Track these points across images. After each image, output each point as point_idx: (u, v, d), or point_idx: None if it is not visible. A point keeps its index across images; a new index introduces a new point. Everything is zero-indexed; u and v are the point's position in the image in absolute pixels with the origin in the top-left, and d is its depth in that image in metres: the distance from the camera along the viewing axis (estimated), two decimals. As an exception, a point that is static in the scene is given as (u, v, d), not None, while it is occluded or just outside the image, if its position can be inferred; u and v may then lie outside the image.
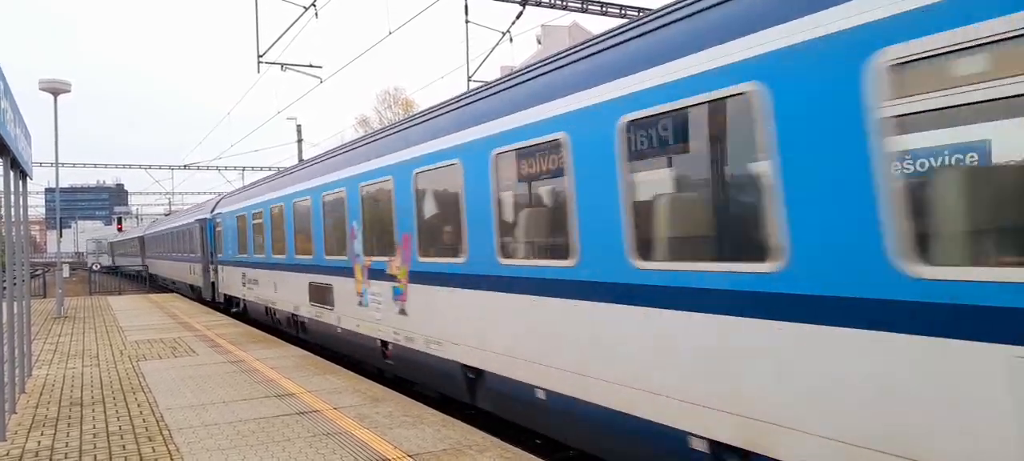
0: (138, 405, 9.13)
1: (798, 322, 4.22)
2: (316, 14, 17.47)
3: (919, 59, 3.59)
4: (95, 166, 77.36)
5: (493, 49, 19.36)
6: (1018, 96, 3.26)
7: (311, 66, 21.91)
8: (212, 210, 24.79)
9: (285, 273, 15.07)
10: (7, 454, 7.08)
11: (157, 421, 8.23)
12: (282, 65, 21.22)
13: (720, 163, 5.25)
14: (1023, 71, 3.24)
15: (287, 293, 15.07)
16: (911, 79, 3.65)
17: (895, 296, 3.74)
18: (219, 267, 23.16)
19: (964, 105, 3.48)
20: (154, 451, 7.03)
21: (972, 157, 4.00)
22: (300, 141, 37.39)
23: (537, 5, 18.20)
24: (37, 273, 37.61)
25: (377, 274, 10.18)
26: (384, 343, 10.27)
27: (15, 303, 9.18)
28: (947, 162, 4.07)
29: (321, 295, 12.69)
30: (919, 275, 3.65)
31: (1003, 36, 3.28)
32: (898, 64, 3.69)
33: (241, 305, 20.28)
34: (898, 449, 3.73)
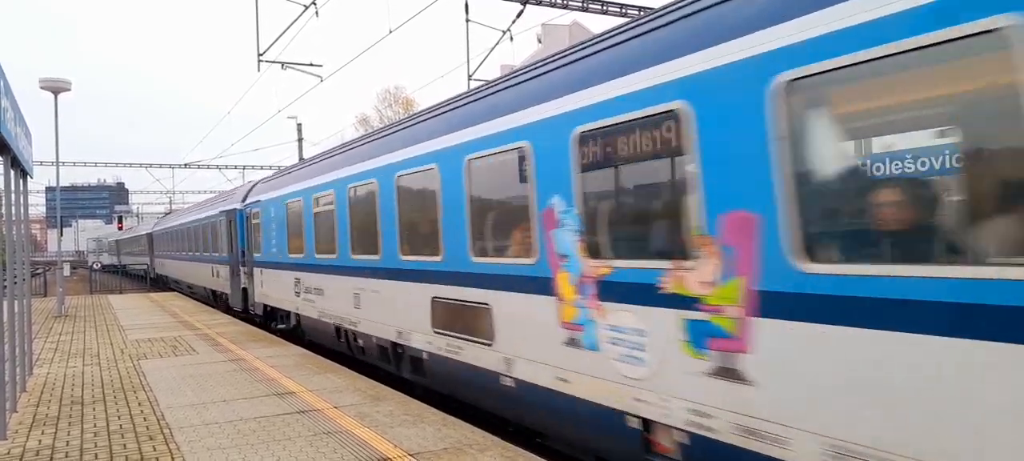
0: (139, 404, 9.13)
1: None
2: (316, 13, 17.48)
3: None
4: (96, 165, 77.42)
5: (494, 48, 19.37)
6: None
7: (311, 65, 21.94)
8: (244, 199, 19.69)
9: (379, 282, 10.38)
10: (8, 452, 7.09)
11: (158, 420, 8.24)
12: (282, 64, 21.23)
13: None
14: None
15: (382, 311, 10.37)
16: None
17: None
18: (256, 270, 18.00)
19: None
20: (155, 450, 7.03)
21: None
22: (300, 140, 37.40)
23: (538, 4, 18.19)
24: (38, 272, 37.62)
25: (631, 293, 5.69)
26: (648, 424, 5.67)
27: (16, 302, 9.18)
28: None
29: (461, 321, 8.18)
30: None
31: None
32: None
33: (291, 320, 15.40)
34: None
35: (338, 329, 12.38)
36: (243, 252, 19.55)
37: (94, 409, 8.94)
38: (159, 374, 11.18)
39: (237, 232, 20.16)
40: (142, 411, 8.73)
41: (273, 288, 16.43)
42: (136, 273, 49.95)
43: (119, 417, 8.47)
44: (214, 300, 25.05)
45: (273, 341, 14.74)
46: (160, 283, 40.33)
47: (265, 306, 17.37)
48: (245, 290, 19.64)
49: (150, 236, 47.20)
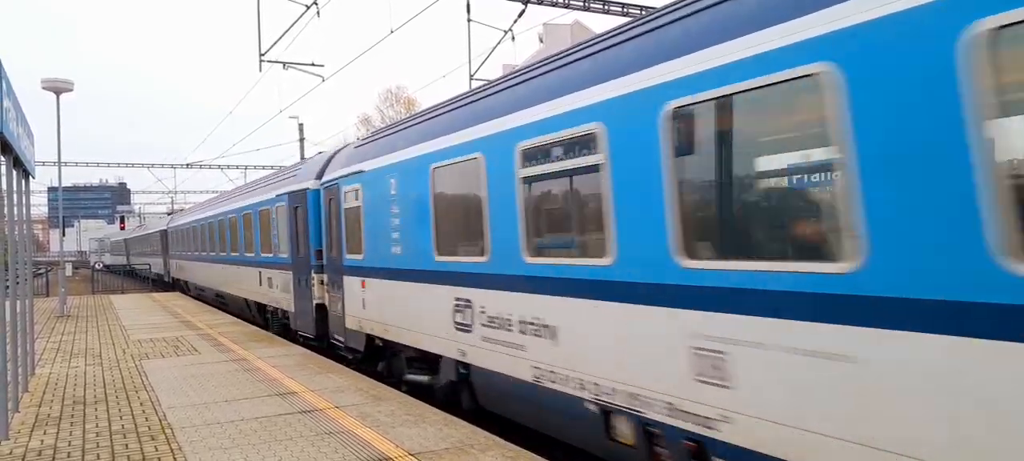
0: (141, 404, 9.14)
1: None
2: (318, 13, 17.49)
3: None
4: (98, 165, 77.76)
5: (495, 48, 19.38)
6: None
7: (313, 65, 21.96)
8: (319, 174, 13.67)
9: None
10: (10, 453, 7.10)
11: (160, 420, 8.24)
12: (284, 64, 21.27)
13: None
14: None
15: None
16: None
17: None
18: (349, 280, 11.84)
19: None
20: (157, 450, 7.04)
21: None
22: (302, 140, 37.45)
23: (539, 3, 18.20)
24: (40, 272, 37.69)
25: None
26: None
27: (18, 302, 9.19)
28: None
29: None
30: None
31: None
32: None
33: (446, 372, 9.00)
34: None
35: (607, 416, 6.18)
36: (320, 253, 13.46)
37: (96, 409, 8.96)
38: (161, 374, 11.19)
39: (307, 222, 13.93)
40: (144, 411, 8.73)
41: (393, 310, 10.09)
42: (147, 275, 44.40)
43: (121, 417, 8.48)
44: (261, 317, 18.38)
45: (275, 341, 14.74)
46: (176, 288, 35.04)
47: (371, 338, 11.08)
48: (321, 307, 13.49)
49: (164, 234, 39.24)
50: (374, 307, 10.82)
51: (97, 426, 8.10)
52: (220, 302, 24.12)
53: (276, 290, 16.46)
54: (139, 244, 52.95)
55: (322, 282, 13.46)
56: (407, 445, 6.85)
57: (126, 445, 7.26)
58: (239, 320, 19.32)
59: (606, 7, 19.48)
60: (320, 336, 13.65)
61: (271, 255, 16.79)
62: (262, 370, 11.23)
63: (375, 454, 6.62)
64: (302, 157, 33.61)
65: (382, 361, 11.21)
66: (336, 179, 12.29)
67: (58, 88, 21.27)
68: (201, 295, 28.19)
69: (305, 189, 14.18)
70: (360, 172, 11.16)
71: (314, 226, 13.78)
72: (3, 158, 8.33)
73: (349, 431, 7.43)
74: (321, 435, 7.32)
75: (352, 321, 11.80)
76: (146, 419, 8.33)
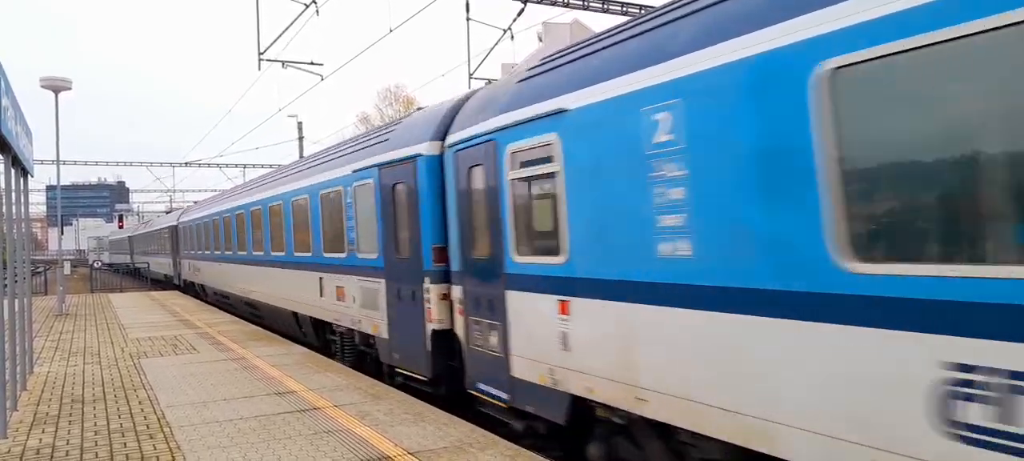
0: (139, 403, 9.14)
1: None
2: (317, 11, 17.47)
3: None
4: (96, 163, 77.50)
5: (494, 46, 19.38)
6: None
7: (312, 63, 21.94)
8: (442, 132, 9.14)
9: None
10: (9, 451, 7.09)
11: (158, 418, 8.24)
12: (283, 62, 21.25)
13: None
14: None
15: None
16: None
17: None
18: (524, 299, 7.18)
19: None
20: (155, 448, 7.04)
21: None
22: (301, 138, 37.41)
23: (539, 2, 18.19)
24: (38, 270, 37.65)
25: None
26: None
27: (16, 300, 9.19)
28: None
29: None
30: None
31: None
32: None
33: None
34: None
35: None
36: (439, 250, 8.97)
37: (95, 408, 8.95)
38: (159, 373, 11.18)
39: (417, 207, 9.27)
40: (142, 410, 8.73)
41: (660, 362, 5.46)
42: (155, 277, 40.42)
43: (119, 416, 8.48)
44: (318, 339, 13.82)
45: (274, 340, 14.73)
46: (190, 293, 29.55)
47: (582, 401, 6.42)
48: (443, 335, 8.86)
49: (174, 230, 32.90)
50: (597, 350, 6.12)
51: (95, 425, 8.09)
52: (255, 315, 19.14)
53: (351, 305, 11.51)
54: (144, 243, 47.40)
55: (446, 296, 8.79)
56: (406, 444, 6.85)
57: (124, 444, 7.26)
58: (238, 319, 19.27)
59: (605, 6, 19.47)
60: (438, 379, 9.07)
61: (341, 255, 11.82)
62: (261, 369, 11.22)
63: (374, 453, 6.62)
64: (301, 155, 33.35)
65: (597, 441, 6.59)
66: (490, 134, 7.60)
67: (57, 86, 21.25)
68: (225, 304, 22.82)
69: (414, 157, 9.27)
70: (558, 113, 6.52)
71: (433, 212, 9.01)
72: (1, 156, 8.33)
73: (348, 430, 7.43)
74: (319, 434, 7.31)
75: (532, 368, 7.03)
76: (144, 418, 8.32)
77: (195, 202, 40.48)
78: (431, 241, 9.01)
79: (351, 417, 7.95)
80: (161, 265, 38.23)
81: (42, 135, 16.00)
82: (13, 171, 8.98)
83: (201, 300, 26.21)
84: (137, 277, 45.14)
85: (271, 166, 46.71)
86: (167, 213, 51.32)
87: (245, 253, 19.17)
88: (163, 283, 37.16)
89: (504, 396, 7.56)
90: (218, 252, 22.85)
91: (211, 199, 28.73)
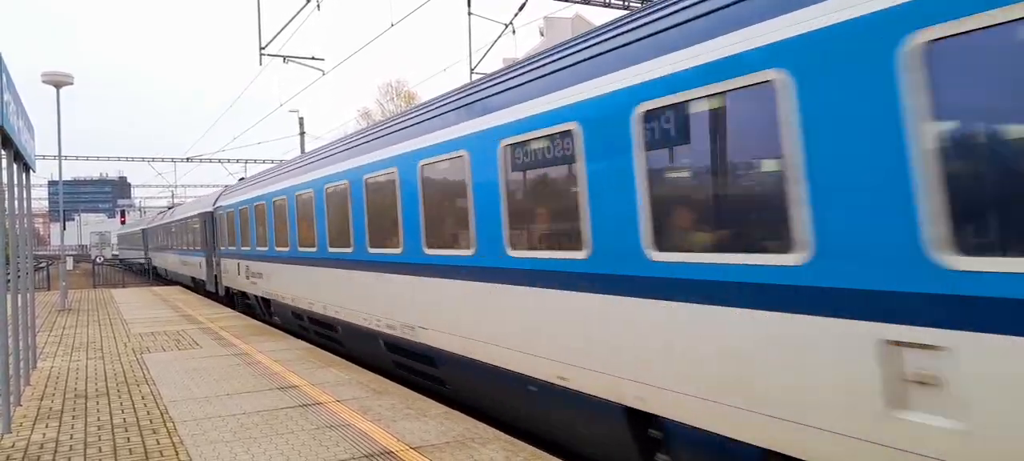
0: (142, 398, 9.16)
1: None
2: (318, 6, 17.46)
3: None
4: (98, 159, 77.70)
5: (495, 41, 19.34)
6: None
7: (313, 58, 21.91)
8: None
9: None
10: (12, 446, 7.11)
11: (161, 413, 8.26)
12: (284, 57, 21.21)
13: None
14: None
15: None
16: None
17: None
18: None
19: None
20: (159, 443, 7.05)
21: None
22: (302, 133, 37.40)
23: (540, -3, 18.12)
24: (41, 266, 37.72)
25: None
26: None
27: (19, 296, 9.21)
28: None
29: None
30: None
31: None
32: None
33: None
34: None
35: None
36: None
37: (98, 403, 8.97)
38: (162, 368, 11.21)
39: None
40: (145, 405, 8.75)
41: None
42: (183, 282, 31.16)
43: (123, 411, 8.50)
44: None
45: (277, 335, 14.75)
46: (233, 305, 21.46)
47: None
48: None
49: (212, 217, 23.73)
50: None
51: (99, 419, 8.11)
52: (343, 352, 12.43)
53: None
54: (160, 237, 38.82)
55: None
56: (408, 438, 6.86)
57: (128, 438, 7.28)
58: (241, 314, 19.31)
59: (607, 0, 19.42)
60: None
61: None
62: (263, 364, 11.24)
63: (376, 447, 6.63)
64: (302, 150, 33.24)
65: None
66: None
67: (58, 81, 21.28)
68: (302, 329, 14.79)
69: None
70: None
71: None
72: (3, 151, 8.33)
73: (350, 424, 7.45)
74: (322, 428, 7.33)
75: None
76: (148, 412, 8.34)
77: (242, 178, 28.15)
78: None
79: (354, 412, 7.96)
80: (188, 267, 29.19)
81: (44, 131, 15.95)
82: (15, 166, 8.99)
83: (255, 317, 18.27)
84: (157, 277, 39.20)
85: (272, 160, 46.66)
86: (170, 207, 45.30)
87: (384, 253, 10.06)
88: (192, 290, 28.49)
89: None
90: (308, 250, 13.44)
91: (264, 174, 18.79)
